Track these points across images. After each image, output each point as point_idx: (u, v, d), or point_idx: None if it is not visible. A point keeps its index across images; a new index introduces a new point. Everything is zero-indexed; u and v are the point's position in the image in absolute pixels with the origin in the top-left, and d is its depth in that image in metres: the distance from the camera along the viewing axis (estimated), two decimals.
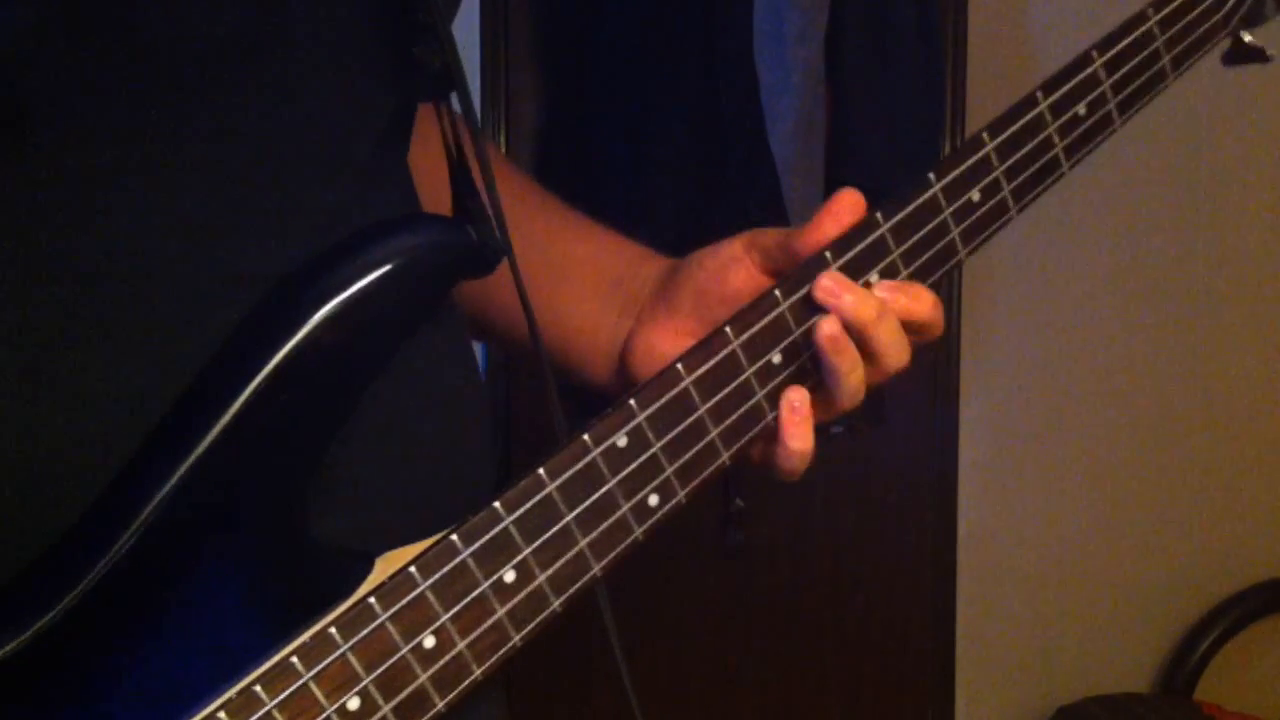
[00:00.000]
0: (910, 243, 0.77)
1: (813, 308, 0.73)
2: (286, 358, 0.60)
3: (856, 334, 0.74)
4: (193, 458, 0.58)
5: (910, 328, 0.78)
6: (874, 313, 0.74)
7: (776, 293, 0.72)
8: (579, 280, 0.85)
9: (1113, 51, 0.81)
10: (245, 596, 0.60)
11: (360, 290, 0.61)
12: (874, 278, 0.76)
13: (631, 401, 0.67)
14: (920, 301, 0.77)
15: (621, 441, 0.67)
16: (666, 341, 0.79)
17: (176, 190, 0.60)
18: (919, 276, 0.78)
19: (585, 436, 0.66)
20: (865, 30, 1.73)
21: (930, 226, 0.78)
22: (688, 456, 0.69)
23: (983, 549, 2.13)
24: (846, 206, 0.75)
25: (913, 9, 1.77)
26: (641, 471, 0.68)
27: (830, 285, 0.73)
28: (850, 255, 0.74)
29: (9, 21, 0.55)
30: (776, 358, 0.73)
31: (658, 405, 0.68)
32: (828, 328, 0.72)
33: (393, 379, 0.65)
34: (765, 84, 1.65)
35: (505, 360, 1.81)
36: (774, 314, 0.72)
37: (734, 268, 0.78)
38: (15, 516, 0.58)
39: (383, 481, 0.66)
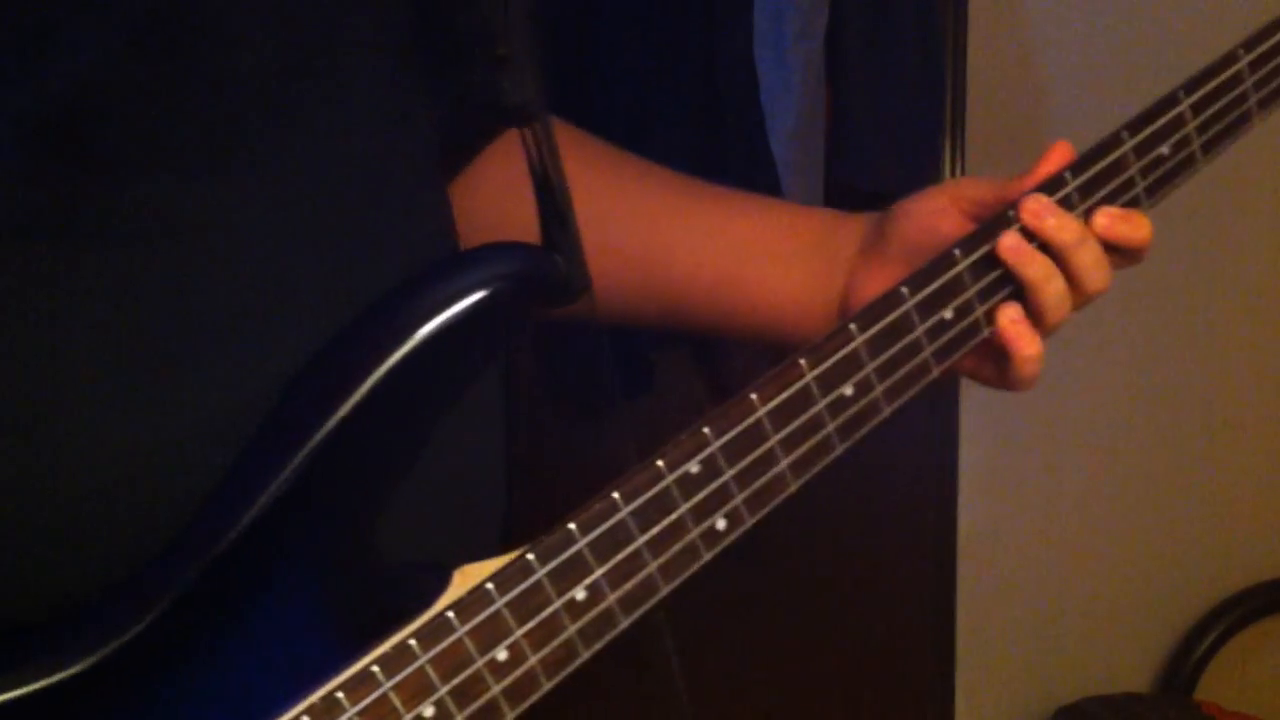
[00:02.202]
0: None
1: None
2: (380, 380, 0.62)
3: (1057, 256, 0.78)
4: (284, 475, 0.60)
5: (1119, 251, 0.83)
6: (1075, 236, 0.78)
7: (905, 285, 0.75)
8: (773, 258, 0.88)
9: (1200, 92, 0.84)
10: (324, 609, 0.63)
11: (455, 315, 0.63)
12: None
13: (705, 430, 0.70)
14: (1139, 229, 0.82)
15: (694, 469, 0.69)
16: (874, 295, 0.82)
17: (237, 210, 0.61)
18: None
19: (659, 463, 0.69)
20: (865, 30, 1.73)
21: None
22: (758, 485, 0.72)
23: (983, 549, 2.13)
24: (1060, 154, 0.80)
25: (913, 9, 1.76)
26: (711, 498, 0.70)
27: (1034, 206, 0.77)
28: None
29: (81, 50, 0.57)
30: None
31: (732, 434, 0.70)
32: (1008, 239, 0.77)
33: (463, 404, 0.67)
34: (765, 84, 1.65)
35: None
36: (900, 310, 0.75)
37: (942, 218, 0.82)
38: (110, 530, 0.60)
39: (448, 496, 0.68)
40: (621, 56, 1.68)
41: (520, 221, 0.70)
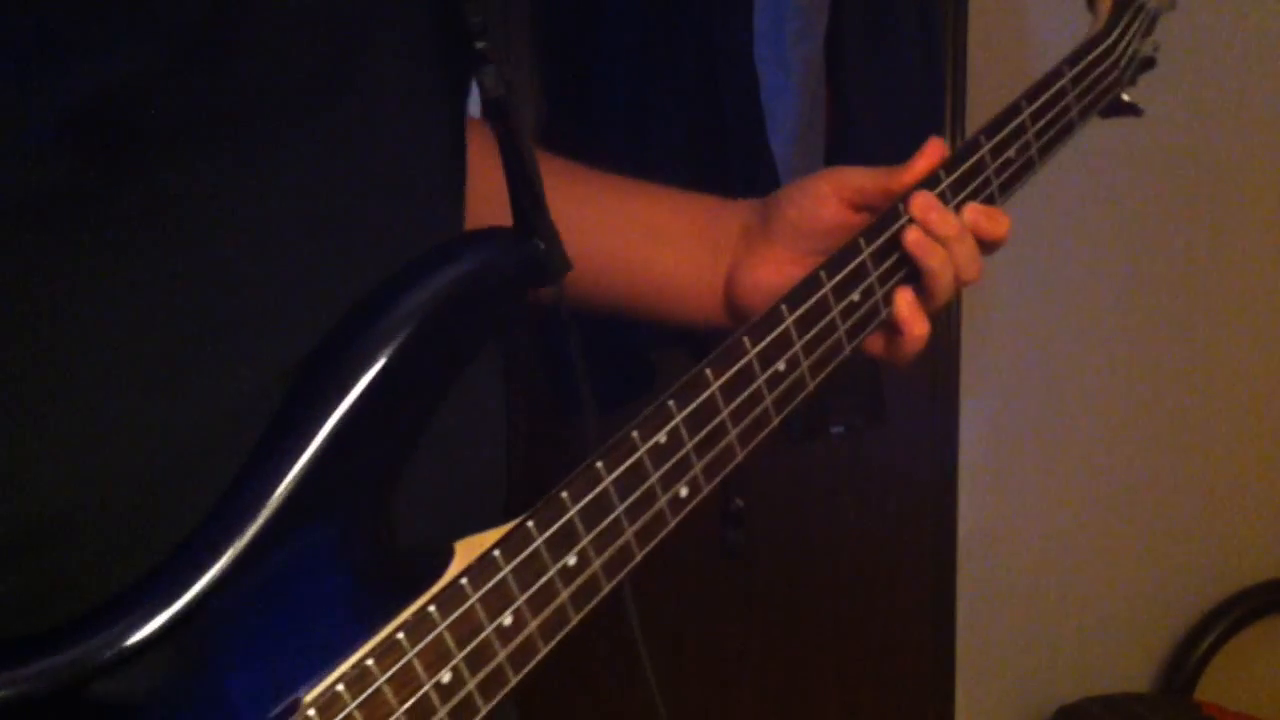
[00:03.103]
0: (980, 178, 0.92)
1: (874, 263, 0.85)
2: (384, 365, 0.64)
3: (940, 244, 0.86)
4: (304, 460, 0.63)
5: (983, 244, 0.90)
6: (955, 231, 0.87)
7: (821, 274, 0.82)
8: (663, 239, 0.95)
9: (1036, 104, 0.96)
10: (342, 586, 0.65)
11: (438, 307, 0.66)
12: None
13: (670, 403, 0.75)
14: (1000, 225, 0.91)
15: (662, 439, 0.74)
16: (768, 274, 0.91)
17: (266, 205, 0.64)
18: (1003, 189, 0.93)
19: (634, 434, 0.73)
20: (865, 30, 1.73)
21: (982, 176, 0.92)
22: (712, 454, 0.77)
23: (983, 549, 2.13)
24: (935, 151, 0.90)
25: (913, 9, 1.77)
26: (676, 468, 0.75)
27: (924, 202, 0.87)
28: (947, 183, 0.88)
29: (127, 51, 0.59)
30: (856, 295, 0.84)
31: (691, 407, 0.75)
32: (913, 234, 0.86)
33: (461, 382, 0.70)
34: (765, 84, 1.65)
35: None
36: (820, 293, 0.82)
37: (823, 204, 0.91)
38: (141, 513, 0.62)
39: (439, 478, 0.70)
40: (622, 57, 1.69)
41: (492, 207, 0.74)
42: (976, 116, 1.91)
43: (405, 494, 0.67)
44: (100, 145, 0.60)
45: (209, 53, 0.62)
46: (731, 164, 1.67)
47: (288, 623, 0.63)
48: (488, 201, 0.77)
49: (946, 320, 2.00)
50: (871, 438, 1.97)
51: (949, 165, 0.90)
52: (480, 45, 0.70)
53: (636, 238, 0.94)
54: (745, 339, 0.78)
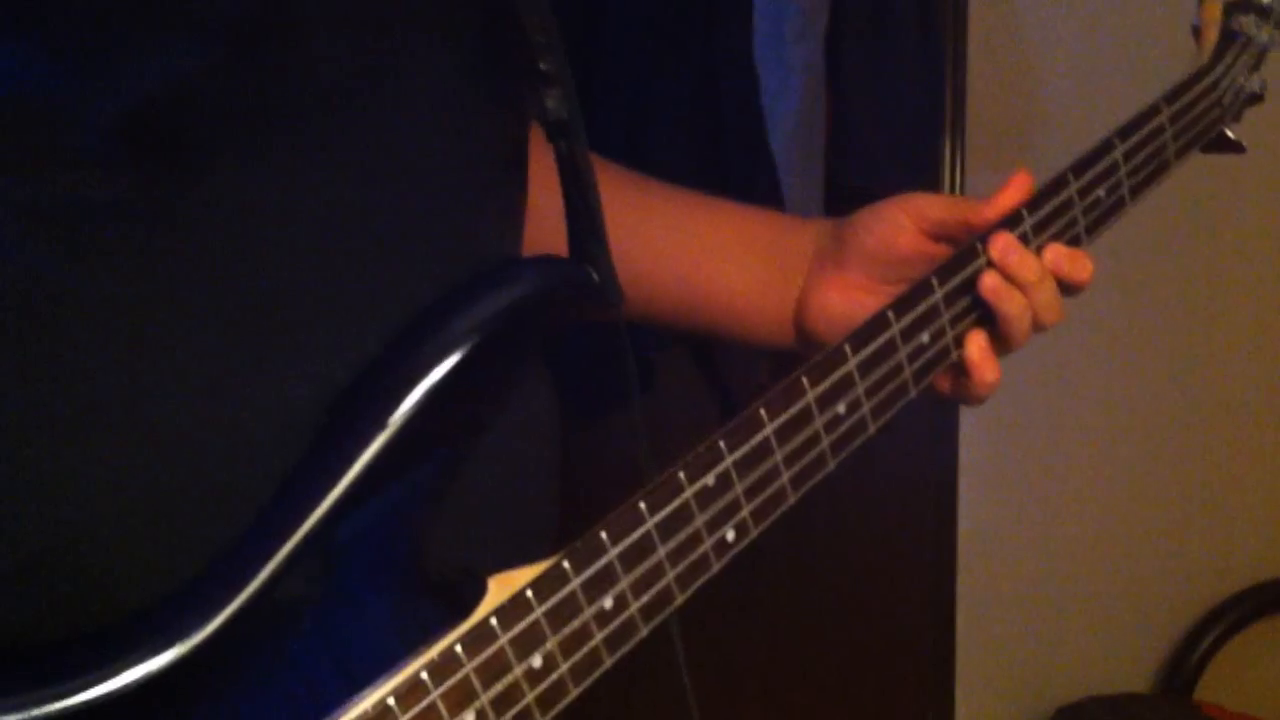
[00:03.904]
0: (1067, 218, 0.88)
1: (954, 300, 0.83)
2: (427, 393, 0.63)
3: (1020, 289, 0.84)
4: (342, 484, 0.61)
5: (1065, 289, 0.88)
6: (1036, 274, 0.84)
7: (889, 314, 0.80)
8: (728, 255, 0.92)
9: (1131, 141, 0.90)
10: (370, 615, 0.64)
11: (494, 330, 0.65)
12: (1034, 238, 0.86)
13: (721, 444, 0.72)
14: (1082, 269, 0.87)
15: (711, 481, 0.72)
16: (838, 299, 0.88)
17: (323, 220, 0.64)
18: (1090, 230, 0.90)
19: (680, 474, 0.71)
20: (865, 30, 1.73)
21: (1068, 215, 0.89)
22: (763, 497, 0.74)
23: (983, 549, 2.13)
24: (1020, 186, 0.86)
25: (913, 9, 1.76)
26: (724, 510, 0.73)
27: (1004, 244, 0.83)
28: (1030, 223, 0.85)
29: (182, 53, 0.59)
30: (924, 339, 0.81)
31: (744, 449, 0.73)
32: (990, 280, 0.83)
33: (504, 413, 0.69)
34: (765, 84, 1.65)
35: None
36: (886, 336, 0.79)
37: (900, 233, 0.88)
38: (186, 525, 0.61)
39: (485, 504, 0.69)
40: (622, 57, 1.68)
41: (548, 230, 0.72)
42: (976, 117, 1.91)
43: (445, 523, 0.66)
44: (154, 150, 0.60)
45: (263, 53, 0.61)
46: (731, 164, 1.67)
47: (313, 649, 0.62)
48: (543, 219, 0.75)
49: None
50: (871, 438, 1.97)
51: (1033, 203, 0.87)
52: (544, 66, 0.68)
53: (699, 254, 0.92)
54: (804, 379, 0.76)
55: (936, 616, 2.11)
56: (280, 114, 0.62)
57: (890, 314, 0.80)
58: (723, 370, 1.82)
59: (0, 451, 0.59)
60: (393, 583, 0.64)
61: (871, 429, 0.80)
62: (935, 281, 0.82)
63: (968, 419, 2.07)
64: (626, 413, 0.75)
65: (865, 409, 0.79)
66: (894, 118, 1.76)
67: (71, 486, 0.59)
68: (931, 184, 1.90)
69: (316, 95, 0.63)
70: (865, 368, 0.78)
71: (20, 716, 0.56)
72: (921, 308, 0.81)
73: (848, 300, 0.87)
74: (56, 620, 0.60)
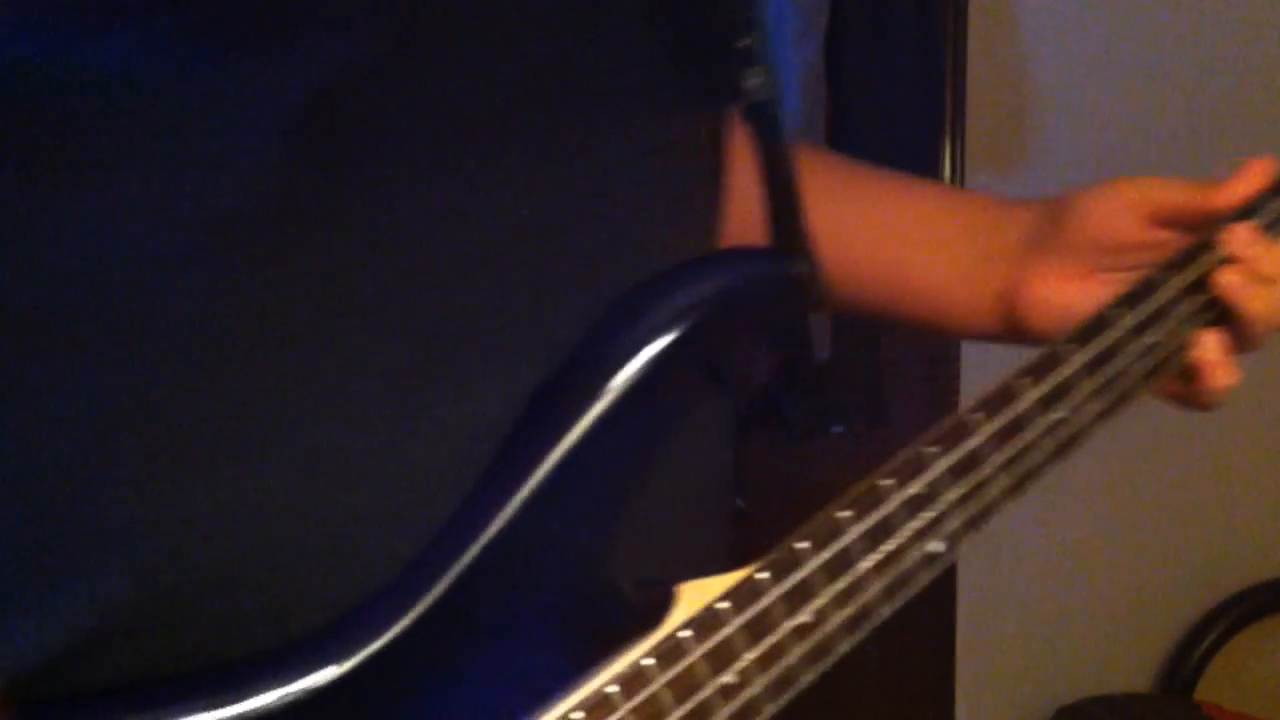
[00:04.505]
0: None
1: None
2: (621, 392, 0.59)
3: (1263, 286, 0.76)
4: (521, 497, 0.58)
5: None
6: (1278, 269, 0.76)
7: (1111, 312, 0.73)
8: (929, 241, 0.85)
9: None
10: (558, 628, 0.61)
11: (689, 329, 0.60)
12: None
13: (932, 448, 0.68)
14: None
15: (919, 489, 0.67)
16: (1056, 290, 0.80)
17: (500, 222, 0.60)
18: None
19: (885, 481, 0.66)
20: (865, 30, 1.73)
21: None
22: (974, 507, 0.70)
23: (983, 549, 2.12)
24: (1261, 172, 0.79)
25: (912, 9, 1.76)
26: (934, 521, 0.68)
27: (1245, 237, 0.76)
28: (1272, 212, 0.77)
29: (352, 54, 0.55)
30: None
31: (957, 455, 0.68)
32: (1230, 275, 0.75)
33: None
34: None
35: None
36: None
37: (1121, 219, 0.80)
38: (364, 550, 0.58)
39: (664, 513, 0.65)
40: None
41: (748, 220, 0.68)
42: (976, 117, 1.91)
43: (630, 531, 0.62)
44: (321, 145, 0.55)
45: (442, 43, 0.57)
46: None
47: (493, 663, 0.59)
48: (743, 208, 0.70)
49: None
50: (871, 438, 1.97)
51: (1277, 190, 0.79)
52: (744, 43, 0.63)
53: (901, 239, 0.85)
54: (1025, 380, 0.70)
55: (936, 616, 2.11)
56: (455, 107, 0.58)
57: (1116, 310, 0.73)
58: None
59: (174, 471, 0.56)
60: (576, 592, 0.61)
61: (1094, 432, 0.73)
62: (1166, 275, 0.75)
63: None
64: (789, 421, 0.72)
65: (1090, 412, 0.73)
66: (894, 118, 1.76)
67: (249, 507, 0.57)
68: (1252, 212, 1.90)
69: (499, 90, 0.59)
70: (1091, 369, 0.72)
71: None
72: (1152, 304, 0.75)
73: (1066, 291, 0.80)
74: (230, 640, 0.57)
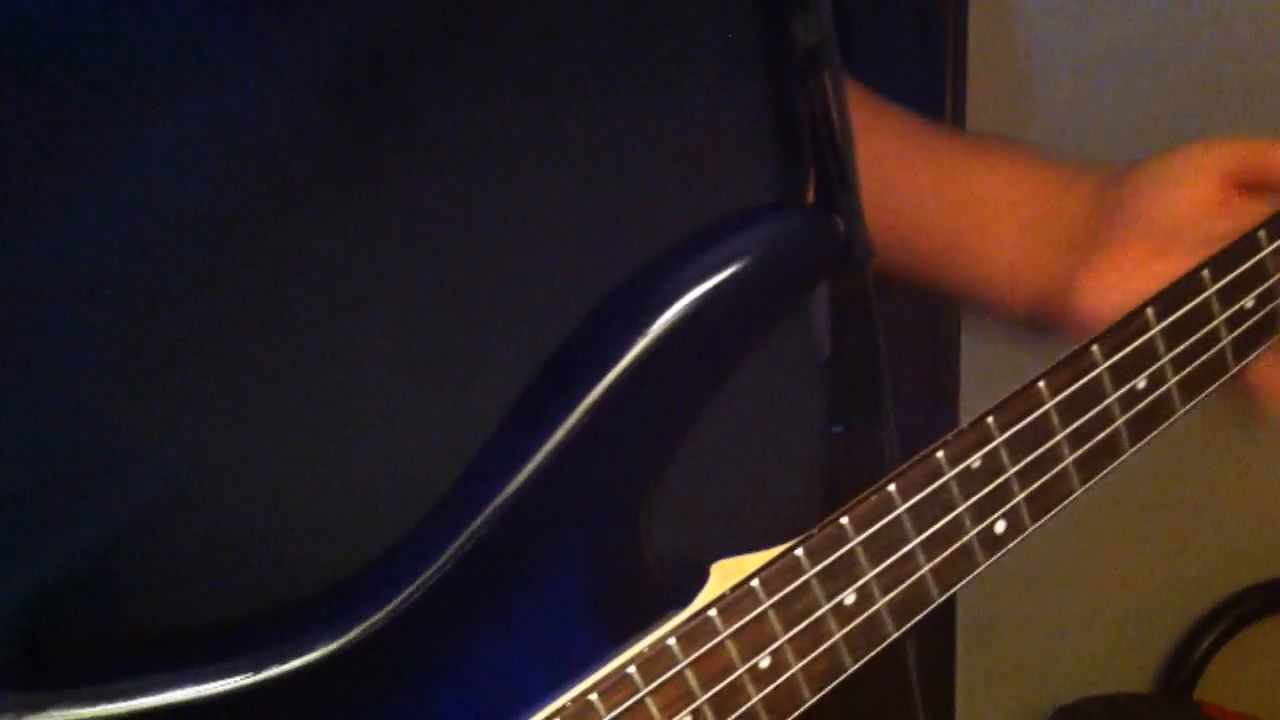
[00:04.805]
0: None
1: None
2: (639, 356, 0.56)
3: None
4: (540, 456, 0.55)
5: None
6: None
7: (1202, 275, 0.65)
8: (993, 219, 0.78)
9: None
10: (578, 600, 0.58)
11: (718, 286, 0.56)
12: None
13: (989, 420, 0.63)
14: None
15: (976, 463, 0.62)
16: (1120, 279, 0.72)
17: (548, 180, 0.57)
18: None
19: (939, 455, 0.62)
20: (865, 29, 1.73)
21: None
22: (1040, 483, 0.65)
23: None
24: None
25: (913, 10, 1.76)
26: (992, 497, 0.63)
27: None
28: None
29: (391, 19, 0.52)
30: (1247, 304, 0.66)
31: (1018, 427, 0.63)
32: None
33: (734, 382, 0.60)
34: None
35: None
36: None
37: (1197, 194, 0.71)
38: (368, 511, 0.57)
39: (712, 487, 0.62)
40: None
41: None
42: (976, 116, 1.91)
43: (670, 501, 0.59)
44: (361, 106, 0.52)
45: (480, 7, 0.54)
46: None
47: (505, 638, 0.57)
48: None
49: (946, 320, 1.99)
50: (872, 438, 1.97)
51: None
52: None
53: (961, 208, 0.79)
54: (1095, 348, 0.64)
55: (936, 616, 2.11)
56: (499, 64, 0.54)
57: (1205, 273, 0.66)
58: None
59: (170, 444, 0.55)
60: (600, 565, 0.57)
61: (1180, 410, 0.67)
62: (1263, 235, 0.68)
63: (967, 417, 2.07)
64: (870, 401, 0.65)
65: (1172, 384, 0.66)
66: None
67: (272, 474, 0.55)
68: None
69: (544, 47, 0.55)
70: (1172, 335, 0.65)
71: (202, 688, 0.53)
72: (1245, 264, 0.67)
73: (1135, 277, 0.72)
74: (237, 601, 0.56)
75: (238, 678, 0.53)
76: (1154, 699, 2.24)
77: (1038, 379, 0.64)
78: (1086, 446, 0.65)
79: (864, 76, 1.76)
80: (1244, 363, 0.68)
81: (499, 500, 0.55)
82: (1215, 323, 0.67)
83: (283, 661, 0.54)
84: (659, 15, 0.58)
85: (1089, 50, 2.07)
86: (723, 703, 0.57)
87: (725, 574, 0.58)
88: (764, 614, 0.58)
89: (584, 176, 0.58)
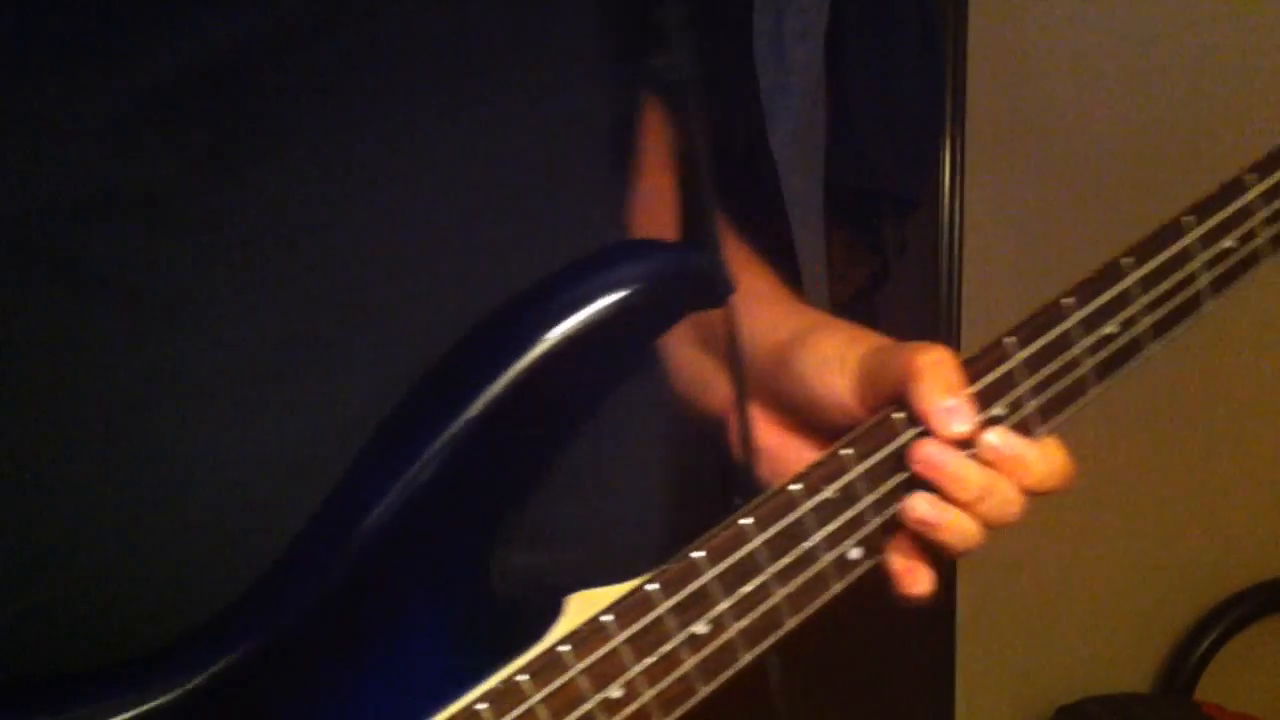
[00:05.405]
0: (1040, 376, 0.71)
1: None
2: (509, 384, 0.56)
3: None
4: (401, 484, 0.55)
5: (1029, 490, 0.69)
6: (976, 491, 0.67)
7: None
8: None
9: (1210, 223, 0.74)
10: (433, 636, 0.58)
11: (592, 318, 0.57)
12: (1000, 410, 0.69)
13: (845, 452, 0.63)
14: (1048, 461, 0.69)
15: (831, 494, 0.63)
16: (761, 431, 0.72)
17: (400, 203, 0.56)
18: (1046, 413, 0.72)
19: (795, 487, 0.62)
20: (865, 30, 1.73)
21: (1062, 359, 0.72)
22: (892, 511, 0.65)
23: (983, 549, 2.12)
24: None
25: (913, 10, 1.77)
26: (847, 525, 0.64)
27: (928, 457, 0.64)
28: (978, 386, 0.68)
29: (242, 28, 0.51)
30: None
31: (875, 458, 0.63)
32: (915, 508, 0.65)
33: (599, 415, 0.60)
34: (765, 84, 1.65)
35: None
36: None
37: (826, 386, 0.70)
38: (234, 529, 0.56)
39: (571, 519, 0.62)
40: None
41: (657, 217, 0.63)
42: (976, 116, 1.91)
43: (525, 536, 0.59)
44: (212, 121, 0.52)
45: (343, 15, 0.54)
46: (731, 164, 1.67)
47: (363, 672, 0.56)
48: (654, 203, 0.67)
49: (946, 320, 2.00)
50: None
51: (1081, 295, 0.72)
52: (660, 20, 0.60)
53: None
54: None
55: (936, 616, 2.11)
56: (355, 84, 0.54)
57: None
58: None
59: (48, 457, 0.54)
60: (454, 602, 0.58)
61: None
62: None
63: None
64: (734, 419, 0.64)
65: (1028, 409, 0.68)
66: (894, 118, 1.76)
67: (107, 499, 0.55)
68: (932, 184, 1.91)
69: (401, 64, 0.55)
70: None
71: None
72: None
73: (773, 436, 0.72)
74: (101, 645, 0.55)
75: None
76: (1154, 699, 2.24)
77: (889, 411, 0.64)
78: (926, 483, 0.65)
79: (864, 78, 1.76)
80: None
81: (352, 541, 0.55)
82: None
83: (137, 705, 0.53)
84: (520, 37, 0.58)
85: (1089, 50, 2.07)
86: None
87: (579, 606, 0.59)
88: (616, 648, 0.59)
89: (442, 194, 0.58)
